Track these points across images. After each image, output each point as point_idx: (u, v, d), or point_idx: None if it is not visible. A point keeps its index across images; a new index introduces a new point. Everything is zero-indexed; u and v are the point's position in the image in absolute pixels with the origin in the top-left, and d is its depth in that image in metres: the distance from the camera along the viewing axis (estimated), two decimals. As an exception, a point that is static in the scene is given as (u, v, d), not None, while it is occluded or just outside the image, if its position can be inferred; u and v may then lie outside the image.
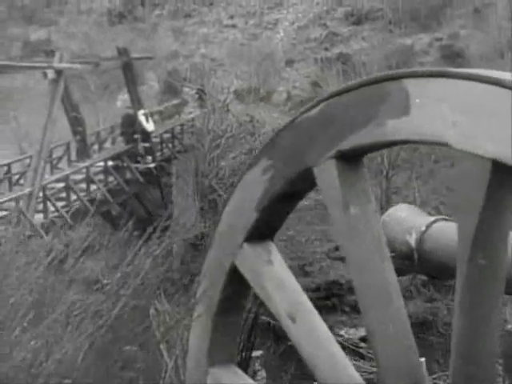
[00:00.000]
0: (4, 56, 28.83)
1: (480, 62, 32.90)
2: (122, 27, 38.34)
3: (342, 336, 19.04)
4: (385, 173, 24.54)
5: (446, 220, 3.07)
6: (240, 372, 2.51)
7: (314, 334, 2.18)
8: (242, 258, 2.36)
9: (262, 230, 2.35)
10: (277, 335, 16.77)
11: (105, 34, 36.25)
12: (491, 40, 34.08)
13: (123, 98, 33.31)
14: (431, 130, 1.75)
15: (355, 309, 23.32)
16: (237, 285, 2.44)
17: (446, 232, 2.90)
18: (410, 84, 1.81)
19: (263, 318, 16.42)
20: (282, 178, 2.20)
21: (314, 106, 2.06)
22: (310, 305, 2.18)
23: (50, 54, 20.22)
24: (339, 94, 1.99)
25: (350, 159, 1.99)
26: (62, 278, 3.61)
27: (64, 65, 17.75)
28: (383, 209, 22.66)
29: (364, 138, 1.93)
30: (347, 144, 1.95)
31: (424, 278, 22.94)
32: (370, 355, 14.92)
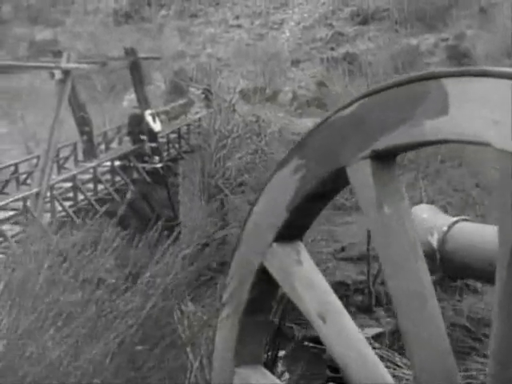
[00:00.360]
0: (10, 56, 28.87)
1: (486, 61, 32.87)
2: (128, 27, 38.39)
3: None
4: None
5: (467, 221, 3.05)
6: (267, 373, 2.49)
7: (344, 334, 2.17)
8: (271, 258, 2.34)
9: (292, 230, 2.32)
10: (284, 336, 16.77)
11: (111, 34, 36.29)
12: (497, 40, 34.02)
13: (129, 98, 33.34)
14: (471, 129, 1.74)
15: (361, 309, 23.32)
16: (265, 285, 2.42)
17: (468, 233, 2.88)
18: (449, 83, 1.79)
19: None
20: (313, 177, 2.17)
21: (348, 105, 2.04)
22: (339, 304, 2.17)
23: (58, 54, 20.19)
24: (375, 92, 1.97)
25: (384, 159, 1.97)
26: (92, 276, 3.59)
27: (71, 65, 17.75)
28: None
29: (400, 138, 1.91)
30: (382, 144, 1.93)
31: (431, 278, 22.94)
32: (381, 354, 14.83)
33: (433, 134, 1.88)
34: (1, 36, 36.90)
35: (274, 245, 2.42)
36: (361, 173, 2.05)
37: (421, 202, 25.49)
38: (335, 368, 5.69)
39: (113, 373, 2.77)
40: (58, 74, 17.63)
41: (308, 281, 2.32)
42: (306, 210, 2.38)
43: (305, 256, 2.43)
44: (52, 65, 18.05)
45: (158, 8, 40.54)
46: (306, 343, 16.95)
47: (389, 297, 2.14)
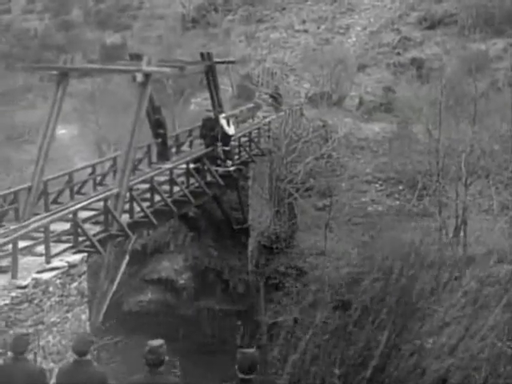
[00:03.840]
0: (86, 59, 29.53)
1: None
2: (195, 32, 38.84)
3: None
4: (463, 180, 24.12)
5: None
6: None
7: None
8: None
9: None
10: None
11: (178, 39, 36.77)
12: None
13: (196, 102, 33.76)
14: None
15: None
16: None
17: None
18: None
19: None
20: None
21: None
22: None
23: (135, 57, 20.45)
24: None
25: None
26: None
27: (153, 68, 17.96)
28: (458, 217, 21.98)
29: None
30: None
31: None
32: None
33: None
34: (74, 40, 37.82)
35: None
36: None
37: (490, 208, 25.10)
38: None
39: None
40: (139, 77, 17.84)
41: None
42: None
43: None
44: (134, 68, 18.28)
45: (224, 13, 40.91)
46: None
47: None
